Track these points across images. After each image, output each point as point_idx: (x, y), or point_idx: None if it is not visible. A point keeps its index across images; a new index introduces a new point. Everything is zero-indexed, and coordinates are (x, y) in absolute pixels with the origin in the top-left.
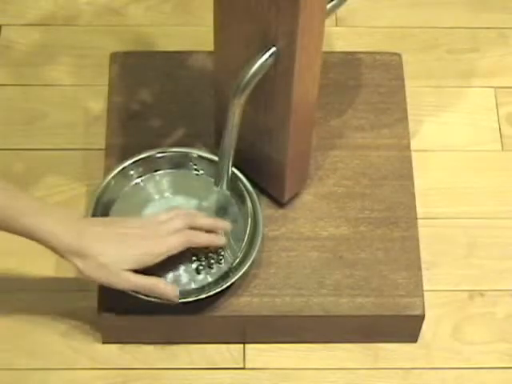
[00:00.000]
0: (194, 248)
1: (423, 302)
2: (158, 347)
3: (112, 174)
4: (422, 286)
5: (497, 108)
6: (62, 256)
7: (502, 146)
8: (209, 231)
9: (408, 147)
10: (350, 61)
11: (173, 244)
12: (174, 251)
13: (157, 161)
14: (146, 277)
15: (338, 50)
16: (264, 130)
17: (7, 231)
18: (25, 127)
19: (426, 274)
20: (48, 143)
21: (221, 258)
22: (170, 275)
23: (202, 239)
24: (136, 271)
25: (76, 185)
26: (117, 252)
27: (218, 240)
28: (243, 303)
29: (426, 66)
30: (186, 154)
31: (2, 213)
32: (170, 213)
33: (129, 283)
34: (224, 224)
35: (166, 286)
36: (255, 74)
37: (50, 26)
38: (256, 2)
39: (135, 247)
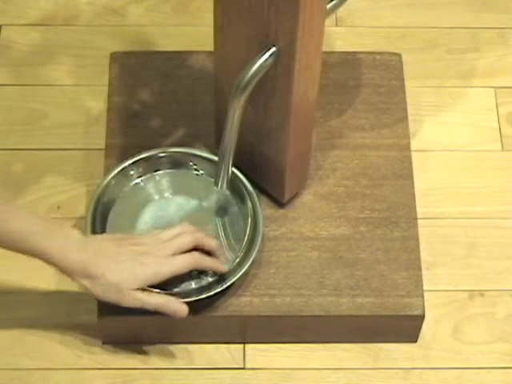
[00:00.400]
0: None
1: (423, 302)
2: (158, 347)
3: (112, 174)
4: (421, 286)
5: (497, 108)
6: (67, 275)
7: (502, 146)
8: (212, 254)
9: (408, 147)
10: (350, 61)
11: (179, 265)
12: (179, 272)
13: (157, 161)
14: (154, 295)
15: (338, 50)
16: (264, 130)
17: (8, 249)
18: (25, 127)
19: (426, 274)
20: (48, 143)
21: None
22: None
23: (207, 264)
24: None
25: (76, 185)
26: (126, 271)
27: (222, 267)
28: (243, 303)
29: (426, 66)
30: (186, 154)
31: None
32: (177, 228)
33: (137, 301)
34: (225, 257)
35: (175, 305)
36: (255, 73)
37: (50, 26)
38: (256, 2)
39: (144, 266)
